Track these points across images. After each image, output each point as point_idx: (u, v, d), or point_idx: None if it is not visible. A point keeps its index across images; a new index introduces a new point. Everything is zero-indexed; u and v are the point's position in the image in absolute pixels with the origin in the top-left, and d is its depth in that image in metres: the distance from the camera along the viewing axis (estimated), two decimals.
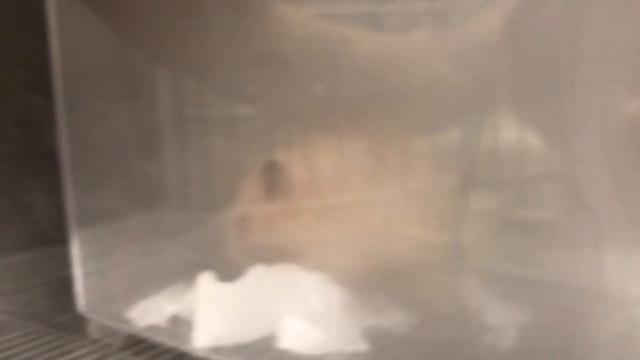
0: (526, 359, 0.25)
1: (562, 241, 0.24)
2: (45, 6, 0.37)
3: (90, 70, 0.37)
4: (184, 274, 0.35)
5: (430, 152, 0.26)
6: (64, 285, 0.43)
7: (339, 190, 0.29)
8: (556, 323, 0.24)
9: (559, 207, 0.24)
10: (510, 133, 0.24)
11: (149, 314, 0.36)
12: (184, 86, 0.33)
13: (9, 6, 0.54)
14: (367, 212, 0.29)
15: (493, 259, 0.25)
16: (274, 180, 0.31)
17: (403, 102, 0.27)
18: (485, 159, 0.25)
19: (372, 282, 0.29)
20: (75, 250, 0.40)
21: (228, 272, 0.33)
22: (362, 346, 0.29)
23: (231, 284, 0.32)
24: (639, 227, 0.22)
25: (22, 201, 0.63)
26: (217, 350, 0.33)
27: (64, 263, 0.41)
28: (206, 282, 0.32)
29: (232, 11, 0.29)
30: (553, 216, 0.24)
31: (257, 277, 0.32)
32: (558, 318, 0.24)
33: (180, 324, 0.35)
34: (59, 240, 0.43)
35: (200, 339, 0.33)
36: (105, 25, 0.35)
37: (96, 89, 0.37)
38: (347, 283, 0.30)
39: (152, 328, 0.36)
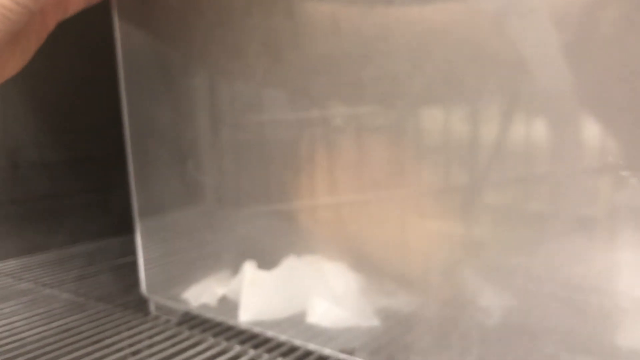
0: (508, 336, 0.26)
1: (570, 235, 0.24)
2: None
3: (153, 97, 0.38)
4: (231, 262, 0.36)
5: (442, 148, 0.26)
6: (129, 270, 0.46)
7: (358, 190, 0.30)
8: (547, 309, 0.25)
9: (573, 202, 0.23)
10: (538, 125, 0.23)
11: (201, 294, 0.39)
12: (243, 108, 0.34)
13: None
14: (381, 208, 0.29)
15: (491, 250, 0.26)
16: (306, 180, 0.32)
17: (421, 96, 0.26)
18: (496, 153, 0.25)
19: (383, 269, 0.30)
20: (139, 240, 0.42)
21: (267, 261, 0.35)
22: (375, 322, 0.31)
23: (269, 270, 0.34)
24: None
25: (97, 199, 0.66)
26: (258, 323, 0.36)
27: (129, 251, 0.44)
28: (249, 268, 0.35)
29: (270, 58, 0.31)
30: (564, 211, 0.24)
31: (290, 265, 0.33)
32: (547, 305, 0.25)
33: (228, 303, 0.37)
34: (126, 231, 0.45)
35: (244, 315, 0.36)
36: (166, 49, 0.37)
37: (159, 111, 0.38)
38: (362, 270, 0.31)
39: (204, 306, 0.39)
